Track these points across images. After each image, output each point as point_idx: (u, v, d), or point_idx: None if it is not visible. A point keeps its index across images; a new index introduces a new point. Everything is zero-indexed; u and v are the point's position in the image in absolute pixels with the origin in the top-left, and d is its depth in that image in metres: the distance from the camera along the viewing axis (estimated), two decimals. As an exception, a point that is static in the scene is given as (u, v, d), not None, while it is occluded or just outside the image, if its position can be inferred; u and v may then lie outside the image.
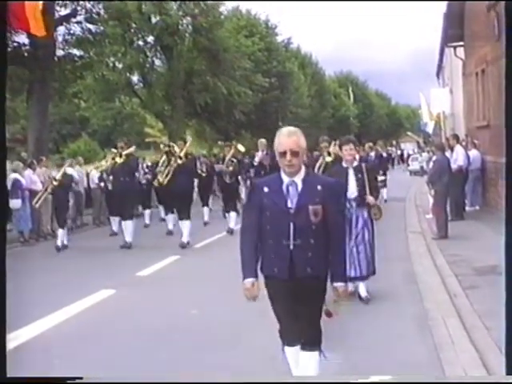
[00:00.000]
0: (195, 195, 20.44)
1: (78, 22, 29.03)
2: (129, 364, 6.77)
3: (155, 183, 17.23)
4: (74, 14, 28.66)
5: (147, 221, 20.85)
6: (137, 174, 18.82)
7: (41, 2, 14.89)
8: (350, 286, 8.85)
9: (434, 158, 16.40)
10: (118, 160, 15.83)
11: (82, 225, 21.41)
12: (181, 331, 8.01)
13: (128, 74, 38.09)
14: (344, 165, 9.26)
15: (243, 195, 20.44)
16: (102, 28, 29.85)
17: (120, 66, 36.73)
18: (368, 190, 9.11)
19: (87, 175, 22.50)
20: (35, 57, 25.25)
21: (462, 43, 24.74)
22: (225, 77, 38.53)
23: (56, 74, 27.34)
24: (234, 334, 7.67)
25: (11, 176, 17.49)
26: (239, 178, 19.22)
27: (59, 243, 16.15)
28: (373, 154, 23.48)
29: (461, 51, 25.43)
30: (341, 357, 6.17)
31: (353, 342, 7.24)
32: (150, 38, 37.90)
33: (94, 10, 29.29)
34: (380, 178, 19.41)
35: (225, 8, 41.24)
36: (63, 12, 28.44)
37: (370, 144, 24.32)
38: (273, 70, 46.63)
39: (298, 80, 53.04)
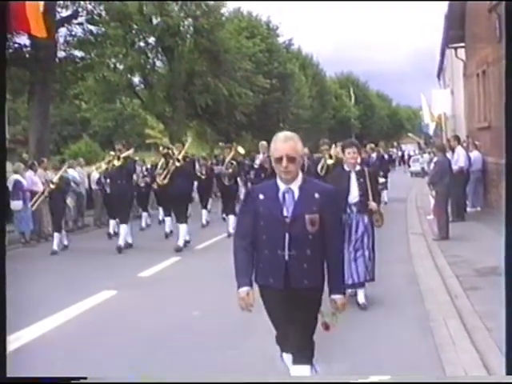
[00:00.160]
0: (196, 197, 20.45)
1: (80, 24, 29.11)
2: (130, 364, 6.77)
3: (154, 185, 17.15)
4: (75, 15, 28.73)
5: (143, 224, 20.73)
6: (135, 177, 18.71)
7: (42, 3, 14.90)
8: (348, 291, 8.64)
9: (435, 159, 16.39)
10: (116, 163, 15.65)
11: (84, 226, 21.42)
12: (181, 332, 8.02)
13: (129, 76, 38.16)
14: (346, 168, 9.06)
15: (242, 197, 20.31)
16: (103, 29, 29.91)
17: (121, 67, 36.80)
18: (371, 195, 8.95)
19: (88, 176, 22.48)
20: (36, 58, 25.28)
21: (463, 44, 24.75)
22: (226, 78, 38.59)
23: (57, 76, 27.39)
24: (234, 334, 7.68)
25: (12, 177, 17.50)
26: (238, 180, 19.06)
27: (55, 247, 15.94)
28: (374, 155, 23.40)
29: (462, 52, 25.44)
30: (335, 367, 6.18)
31: (354, 343, 7.25)
32: (151, 40, 37.99)
33: (96, 12, 29.37)
34: (380, 180, 19.43)
35: (226, 9, 41.43)
36: (64, 13, 28.56)
37: (372, 145, 24.17)
38: (274, 71, 46.66)
39: (298, 81, 53.09)
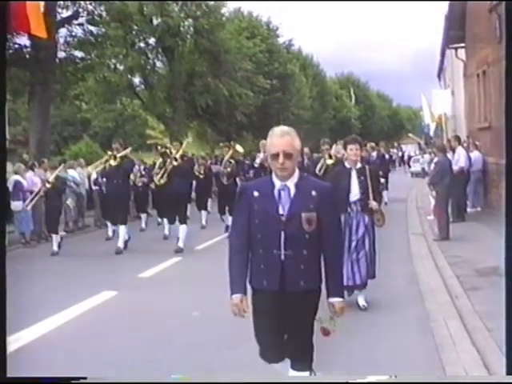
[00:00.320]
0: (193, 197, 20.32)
1: (80, 24, 29.11)
2: (131, 365, 6.77)
3: (152, 185, 16.99)
4: (75, 15, 28.74)
5: (143, 224, 20.58)
6: (132, 177, 18.60)
7: (42, 3, 14.91)
8: (346, 295, 8.69)
9: (436, 159, 16.40)
10: (112, 162, 15.44)
11: (84, 226, 21.41)
12: (182, 332, 8.02)
13: (129, 76, 38.17)
14: (347, 165, 8.89)
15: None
16: (103, 30, 29.92)
17: (121, 67, 36.83)
18: (371, 193, 8.77)
19: (89, 177, 22.45)
20: (36, 59, 25.28)
21: (463, 45, 24.75)
22: (226, 78, 38.59)
23: (57, 76, 27.38)
24: (234, 334, 7.67)
25: (13, 178, 17.51)
26: (237, 179, 18.71)
27: (55, 248, 15.82)
28: (374, 154, 23.33)
29: (462, 53, 25.44)
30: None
31: (354, 342, 7.25)
32: (152, 40, 38.00)
33: (96, 12, 29.37)
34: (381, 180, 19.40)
35: (226, 10, 41.43)
36: (65, 14, 28.56)
37: (372, 144, 24.08)
38: (274, 71, 46.64)
39: (299, 81, 53.04)
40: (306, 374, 4.81)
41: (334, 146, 14.23)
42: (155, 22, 36.89)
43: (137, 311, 9.44)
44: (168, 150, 15.94)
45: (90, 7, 29.19)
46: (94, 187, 20.79)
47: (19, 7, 14.45)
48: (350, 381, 4.74)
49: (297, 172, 4.69)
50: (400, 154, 72.50)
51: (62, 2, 27.79)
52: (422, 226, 17.86)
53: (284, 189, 4.63)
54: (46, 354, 7.33)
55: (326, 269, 4.70)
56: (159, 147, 17.66)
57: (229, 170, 17.54)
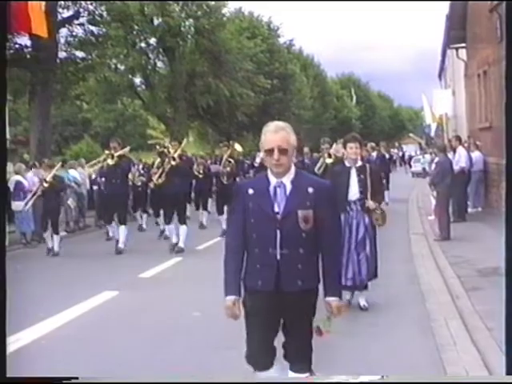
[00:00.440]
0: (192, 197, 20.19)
1: (81, 24, 29.09)
2: (131, 365, 6.77)
3: (151, 185, 16.77)
4: (76, 15, 28.73)
5: (144, 225, 20.39)
6: (131, 176, 18.51)
7: (44, 3, 14.91)
8: (347, 296, 8.64)
9: (437, 159, 16.41)
10: (110, 161, 15.28)
11: (85, 226, 21.41)
12: (182, 332, 8.02)
13: (130, 76, 38.23)
14: (347, 164, 8.79)
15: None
16: (104, 30, 29.89)
17: (122, 67, 36.87)
18: (370, 193, 8.61)
19: (90, 177, 22.44)
20: (37, 59, 25.25)
21: (464, 45, 24.76)
22: (227, 78, 38.61)
23: (58, 76, 27.35)
24: (235, 334, 7.65)
25: (13, 178, 17.51)
26: (237, 179, 18.49)
27: (56, 248, 15.71)
28: (374, 154, 23.27)
29: (463, 53, 25.46)
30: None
31: (355, 342, 7.25)
32: (153, 40, 38.05)
33: (97, 12, 29.37)
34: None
35: (227, 10, 41.41)
36: (66, 14, 28.53)
37: (372, 144, 24.01)
38: (275, 71, 46.65)
39: (300, 82, 53.06)
40: (306, 375, 4.68)
41: (333, 145, 14.16)
42: (156, 22, 36.93)
43: (137, 311, 9.44)
44: (166, 150, 15.78)
45: (91, 7, 29.19)
46: (95, 187, 20.79)
47: (21, 7, 14.48)
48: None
49: (293, 168, 4.56)
50: (400, 154, 72.52)
51: (62, 2, 27.78)
52: (423, 226, 17.86)
53: (280, 186, 4.50)
54: (47, 354, 7.33)
55: (324, 267, 4.57)
56: (157, 146, 17.42)
57: (228, 169, 17.43)
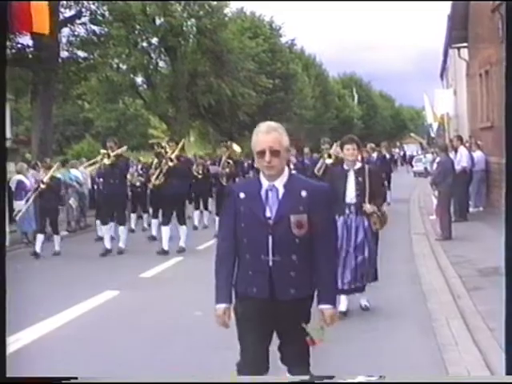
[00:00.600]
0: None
1: (83, 24, 29.17)
2: (132, 365, 6.77)
3: (150, 185, 16.37)
4: (78, 15, 28.79)
5: (145, 224, 20.08)
6: (129, 177, 18.41)
7: (46, 3, 14.90)
8: (344, 304, 8.51)
9: (438, 159, 16.41)
10: (106, 161, 15.10)
11: (86, 226, 21.40)
12: (184, 332, 8.02)
13: (132, 76, 38.24)
14: (345, 167, 8.58)
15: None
16: (106, 29, 29.97)
17: (124, 67, 36.87)
18: (367, 196, 8.40)
19: (91, 176, 22.40)
20: (39, 58, 25.30)
21: (465, 44, 24.75)
22: (229, 78, 38.62)
23: (60, 76, 27.41)
24: (235, 334, 7.66)
25: (15, 177, 17.52)
26: (237, 180, 18.20)
27: (57, 247, 15.67)
28: (375, 154, 23.16)
29: (465, 52, 25.44)
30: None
31: (356, 342, 7.25)
32: (154, 40, 38.06)
33: (99, 12, 29.47)
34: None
35: (229, 10, 41.40)
36: (67, 14, 28.59)
37: (372, 145, 23.84)
38: (277, 71, 46.64)
39: (301, 81, 53.05)
40: (307, 378, 4.47)
41: (333, 146, 14.03)
42: (158, 21, 36.96)
43: (138, 311, 9.45)
44: (163, 150, 15.62)
45: (93, 7, 29.27)
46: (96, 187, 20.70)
47: (23, 7, 14.47)
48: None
49: (286, 171, 4.38)
50: (402, 153, 72.53)
51: (64, 2, 27.83)
52: (425, 226, 17.85)
53: (271, 189, 4.32)
54: (47, 354, 7.33)
55: (317, 274, 4.37)
56: (156, 147, 17.14)
57: (227, 170, 17.29)
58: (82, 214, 21.13)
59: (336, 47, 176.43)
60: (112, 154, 15.09)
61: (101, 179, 15.79)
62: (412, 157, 61.00)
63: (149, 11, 35.78)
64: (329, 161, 13.73)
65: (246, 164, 29.22)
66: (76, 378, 4.37)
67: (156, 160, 16.02)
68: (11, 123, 35.33)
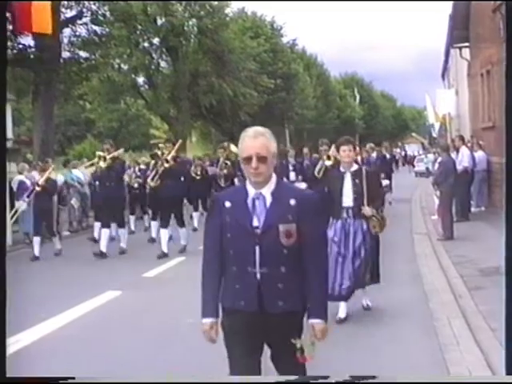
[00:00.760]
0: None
1: (84, 24, 29.14)
2: (134, 366, 6.78)
3: (148, 187, 16.34)
4: (79, 15, 28.78)
5: (147, 223, 19.69)
6: (127, 178, 18.34)
7: (49, 3, 14.89)
8: (343, 311, 8.36)
9: (440, 159, 16.41)
10: (102, 164, 14.92)
11: (88, 226, 21.39)
12: (186, 332, 8.02)
13: (133, 76, 38.22)
14: (342, 169, 8.42)
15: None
16: (107, 30, 29.93)
17: (125, 67, 36.85)
18: (366, 198, 8.19)
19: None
20: (41, 59, 25.29)
21: (467, 44, 24.74)
22: (230, 78, 38.60)
23: (61, 76, 27.40)
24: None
25: (17, 178, 17.54)
26: (235, 180, 18.27)
27: (58, 246, 15.64)
28: (374, 154, 23.10)
29: (466, 52, 25.43)
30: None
31: (357, 342, 7.27)
32: (156, 40, 38.01)
33: (100, 12, 29.43)
34: (384, 182, 19.26)
35: (230, 9, 41.34)
36: (69, 14, 28.58)
37: (372, 144, 23.75)
38: (278, 71, 46.62)
39: (303, 81, 53.05)
40: None
41: (332, 147, 13.85)
42: (159, 21, 36.95)
43: (141, 311, 9.46)
44: (160, 151, 15.35)
45: (94, 7, 29.23)
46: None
47: (24, 7, 14.47)
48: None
49: (274, 178, 4.17)
50: (403, 153, 72.58)
51: (65, 2, 27.82)
52: (427, 226, 17.85)
53: (259, 198, 4.12)
54: (48, 355, 7.34)
55: (307, 287, 4.16)
56: (156, 148, 16.96)
57: (225, 171, 17.19)
58: (83, 214, 21.15)
59: (337, 47, 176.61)
60: (108, 157, 14.96)
61: (97, 182, 15.71)
62: (414, 157, 61.04)
63: (150, 11, 35.77)
64: (328, 162, 13.56)
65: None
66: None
67: (153, 161, 15.96)
68: (13, 123, 35.43)
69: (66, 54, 28.56)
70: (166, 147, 15.23)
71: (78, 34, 29.06)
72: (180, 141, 18.07)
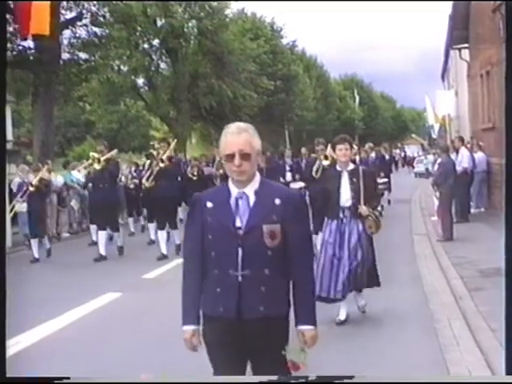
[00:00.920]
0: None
1: (84, 26, 29.20)
2: (134, 366, 6.78)
3: (143, 188, 15.89)
4: (79, 17, 28.81)
5: (132, 229, 19.80)
6: (124, 179, 18.24)
7: (48, 3, 14.89)
8: (343, 313, 8.32)
9: (439, 160, 16.41)
10: (96, 166, 14.81)
11: (88, 228, 21.39)
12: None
13: (133, 77, 38.25)
14: (338, 168, 8.33)
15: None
16: (107, 31, 29.95)
17: (125, 68, 36.89)
18: (362, 198, 8.07)
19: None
20: (40, 60, 25.31)
21: (467, 45, 24.73)
22: (230, 80, 38.62)
23: (61, 78, 27.44)
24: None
25: (17, 179, 17.51)
26: None
27: (36, 255, 15.18)
28: (373, 154, 23.08)
29: (466, 53, 25.43)
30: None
31: (358, 342, 7.27)
32: (156, 41, 38.07)
33: (100, 13, 29.46)
34: (382, 180, 19.24)
35: (230, 11, 41.38)
36: (68, 15, 28.61)
37: (371, 144, 23.69)
38: (278, 72, 46.66)
39: (303, 83, 53.09)
40: None
41: (329, 146, 13.72)
42: (159, 23, 36.99)
43: (141, 312, 9.46)
44: (156, 152, 15.20)
45: (94, 8, 29.27)
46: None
47: (24, 8, 14.48)
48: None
49: (257, 177, 3.97)
50: (402, 154, 72.59)
51: (65, 4, 27.84)
52: (426, 227, 17.85)
53: (242, 197, 3.91)
54: (48, 356, 7.33)
55: (294, 291, 3.95)
56: (152, 149, 16.77)
57: (221, 171, 17.09)
58: (83, 215, 21.12)
59: (337, 48, 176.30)
60: (102, 159, 14.81)
61: (90, 184, 15.57)
62: (413, 158, 61.07)
63: (150, 12, 35.81)
64: (325, 162, 13.45)
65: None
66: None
67: (148, 161, 15.85)
68: (12, 125, 35.39)
69: (65, 56, 28.63)
70: (161, 147, 15.06)
71: (77, 35, 29.15)
72: (175, 140, 17.89)
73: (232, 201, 3.90)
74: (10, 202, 16.60)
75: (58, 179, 19.47)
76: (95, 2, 29.21)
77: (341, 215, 8.14)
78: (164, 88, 38.65)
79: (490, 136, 20.10)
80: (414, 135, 71.60)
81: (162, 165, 14.50)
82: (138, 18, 34.09)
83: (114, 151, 15.94)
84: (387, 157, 26.47)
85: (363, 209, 8.08)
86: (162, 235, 14.71)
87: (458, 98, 33.58)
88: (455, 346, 7.09)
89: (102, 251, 14.86)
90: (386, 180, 21.22)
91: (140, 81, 40.12)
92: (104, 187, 14.94)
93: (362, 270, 8.18)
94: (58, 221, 19.52)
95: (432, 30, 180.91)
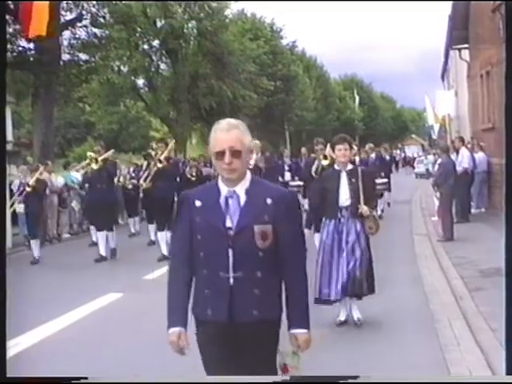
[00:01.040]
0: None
1: (84, 26, 29.24)
2: (135, 366, 6.78)
3: (141, 187, 15.88)
4: (79, 18, 28.84)
5: (132, 229, 19.76)
6: (122, 179, 18.22)
7: (47, 3, 14.88)
8: (343, 314, 8.25)
9: (440, 160, 16.41)
10: (94, 166, 14.69)
11: (88, 229, 21.38)
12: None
13: (133, 78, 38.28)
14: (336, 167, 8.29)
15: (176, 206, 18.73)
16: (107, 32, 29.98)
17: (125, 69, 36.92)
18: (362, 198, 7.99)
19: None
20: (40, 61, 25.33)
21: (466, 45, 24.74)
22: (230, 80, 38.63)
23: (61, 79, 27.45)
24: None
25: (17, 181, 17.50)
26: None
27: (36, 254, 15.12)
28: (373, 155, 23.08)
29: (466, 53, 25.43)
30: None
31: (358, 342, 7.26)
32: (155, 42, 38.09)
33: (100, 14, 29.48)
34: (381, 180, 19.22)
35: (230, 11, 41.40)
36: (68, 16, 28.64)
37: (371, 145, 23.70)
38: (278, 73, 46.71)
39: (302, 83, 53.12)
40: None
41: (328, 146, 13.69)
42: (159, 23, 37.01)
43: (142, 313, 9.45)
44: (154, 152, 15.17)
45: (94, 9, 29.29)
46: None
47: (25, 9, 14.48)
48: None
49: (248, 175, 3.83)
50: (403, 155, 72.59)
51: (65, 5, 27.85)
52: (427, 227, 17.85)
53: (232, 196, 3.76)
54: (48, 357, 7.33)
55: (287, 294, 3.82)
56: (150, 149, 16.69)
57: None
58: (84, 216, 21.11)
59: (337, 48, 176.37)
60: (100, 159, 14.72)
61: (86, 184, 15.52)
62: (413, 158, 61.07)
63: (149, 13, 35.84)
64: (325, 162, 13.42)
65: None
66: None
67: (145, 162, 15.83)
68: (13, 126, 35.43)
69: (65, 57, 28.67)
70: (158, 147, 14.98)
71: (77, 36, 29.20)
72: (173, 141, 17.82)
73: (222, 200, 3.77)
74: (11, 203, 16.59)
75: (58, 180, 19.47)
76: (95, 3, 29.23)
77: (339, 215, 8.07)
78: (164, 89, 38.66)
79: (490, 136, 20.10)
80: (414, 135, 71.61)
81: (159, 165, 14.42)
82: (137, 18, 34.10)
83: (111, 151, 15.94)
84: (387, 157, 26.44)
85: (364, 209, 8.00)
86: (162, 236, 14.63)
87: (457, 98, 33.59)
88: (455, 345, 7.09)
89: (103, 252, 14.83)
90: (385, 180, 21.18)
91: (140, 81, 40.21)
92: (101, 187, 14.84)
93: (360, 270, 8.02)
94: (58, 221, 19.52)
95: (432, 30, 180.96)
